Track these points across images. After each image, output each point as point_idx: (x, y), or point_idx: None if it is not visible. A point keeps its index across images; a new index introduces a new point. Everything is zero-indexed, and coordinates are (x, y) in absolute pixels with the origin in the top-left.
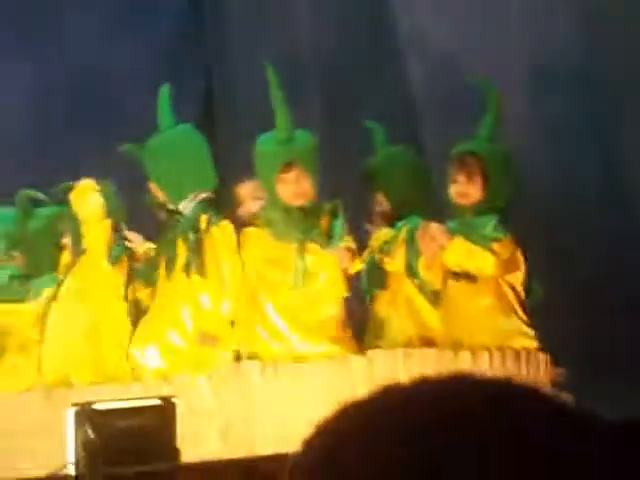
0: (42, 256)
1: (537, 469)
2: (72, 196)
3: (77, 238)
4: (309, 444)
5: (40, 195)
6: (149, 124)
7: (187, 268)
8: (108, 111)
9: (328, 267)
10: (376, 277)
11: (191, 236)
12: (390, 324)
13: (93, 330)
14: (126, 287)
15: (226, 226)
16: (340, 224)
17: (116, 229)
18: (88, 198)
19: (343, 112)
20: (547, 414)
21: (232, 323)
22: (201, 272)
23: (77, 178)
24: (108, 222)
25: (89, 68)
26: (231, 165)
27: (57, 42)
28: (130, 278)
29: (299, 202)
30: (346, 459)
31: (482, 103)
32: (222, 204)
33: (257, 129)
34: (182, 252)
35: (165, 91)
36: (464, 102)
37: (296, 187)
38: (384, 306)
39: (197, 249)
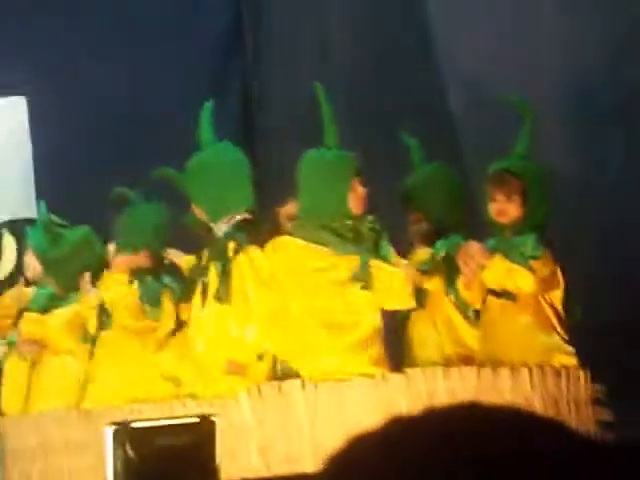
0: (70, 278)
1: None
2: (102, 284)
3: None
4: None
5: (60, 221)
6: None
7: (216, 296)
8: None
9: (392, 282)
10: (416, 297)
11: (219, 265)
12: (428, 342)
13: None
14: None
15: (254, 252)
16: (387, 244)
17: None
18: (117, 289)
19: (378, 128)
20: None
21: (260, 356)
22: (227, 301)
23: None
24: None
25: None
26: (271, 185)
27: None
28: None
29: (361, 210)
30: None
31: (517, 121)
32: (261, 224)
33: (298, 148)
34: (213, 279)
35: (208, 108)
36: (499, 120)
37: (364, 192)
38: (422, 324)
39: (224, 278)
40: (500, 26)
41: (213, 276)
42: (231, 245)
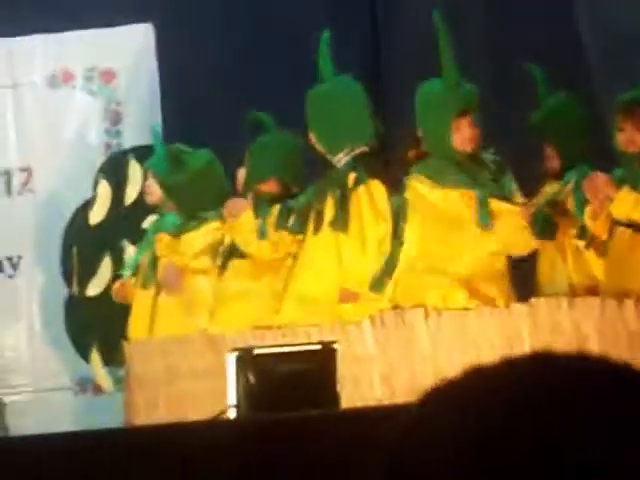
0: (200, 201)
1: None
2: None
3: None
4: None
5: (186, 149)
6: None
7: (333, 224)
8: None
9: (510, 220)
10: (545, 229)
11: (338, 192)
12: (556, 274)
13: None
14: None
15: (373, 185)
16: (510, 179)
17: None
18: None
19: (503, 56)
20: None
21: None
22: (344, 229)
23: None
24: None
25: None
26: (397, 116)
27: None
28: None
29: (470, 148)
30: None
31: None
32: (385, 155)
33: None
34: (330, 207)
35: (326, 38)
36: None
37: (471, 133)
38: (550, 256)
39: (343, 206)
40: None
41: (330, 205)
42: (352, 176)
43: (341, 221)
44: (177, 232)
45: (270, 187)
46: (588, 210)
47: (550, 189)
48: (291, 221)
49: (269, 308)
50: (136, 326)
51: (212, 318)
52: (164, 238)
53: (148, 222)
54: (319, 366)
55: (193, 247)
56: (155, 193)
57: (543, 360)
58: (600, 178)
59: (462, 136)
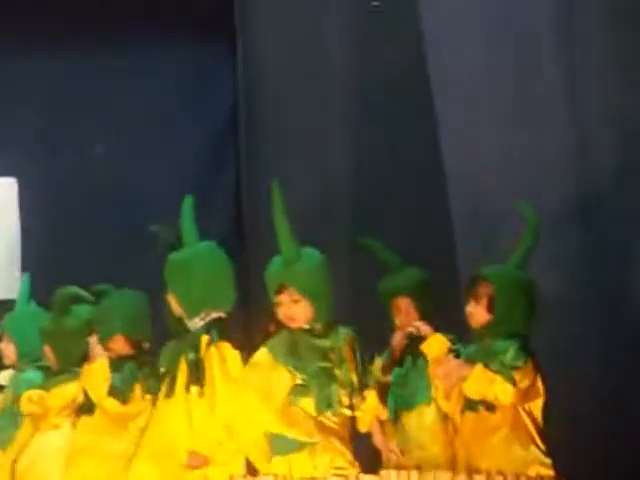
0: (74, 354)
1: None
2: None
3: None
4: None
5: (82, 293)
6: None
7: (186, 386)
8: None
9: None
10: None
11: (191, 355)
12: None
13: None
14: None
15: (224, 347)
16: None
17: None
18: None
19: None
20: None
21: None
22: (197, 392)
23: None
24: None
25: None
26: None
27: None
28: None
29: (292, 325)
30: None
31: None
32: (254, 321)
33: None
34: (182, 371)
35: (189, 203)
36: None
37: (286, 309)
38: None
39: (196, 368)
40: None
41: (183, 368)
42: (204, 338)
43: (194, 384)
44: (47, 385)
45: (119, 345)
46: (440, 390)
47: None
48: (148, 383)
49: (119, 466)
50: None
51: (65, 474)
52: (33, 395)
53: (1, 378)
54: None
55: (60, 401)
56: (10, 355)
57: None
58: (452, 364)
59: (280, 312)
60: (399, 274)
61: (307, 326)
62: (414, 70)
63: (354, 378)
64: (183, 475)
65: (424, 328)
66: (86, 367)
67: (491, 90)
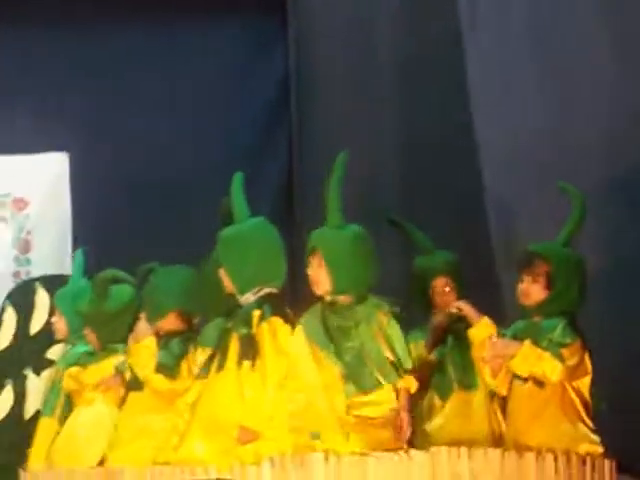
0: (114, 335)
1: None
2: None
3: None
4: None
5: (121, 274)
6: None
7: (238, 362)
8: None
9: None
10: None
11: (243, 330)
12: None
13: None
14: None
15: (276, 322)
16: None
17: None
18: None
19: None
20: None
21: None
22: (249, 367)
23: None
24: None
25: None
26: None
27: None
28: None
29: (317, 290)
30: None
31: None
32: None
33: None
34: (234, 346)
35: (239, 178)
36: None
37: (313, 273)
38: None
39: (248, 343)
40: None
41: (234, 343)
42: (256, 313)
43: (248, 357)
44: (85, 362)
45: (169, 321)
46: (487, 368)
47: None
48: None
49: (169, 443)
50: (37, 455)
51: (112, 451)
52: (73, 372)
53: (53, 352)
54: None
55: (95, 378)
56: (61, 329)
57: None
58: (499, 343)
59: (309, 276)
60: (436, 255)
61: (330, 298)
62: (454, 48)
63: (390, 355)
64: (234, 450)
65: (466, 308)
66: (133, 345)
67: (532, 72)
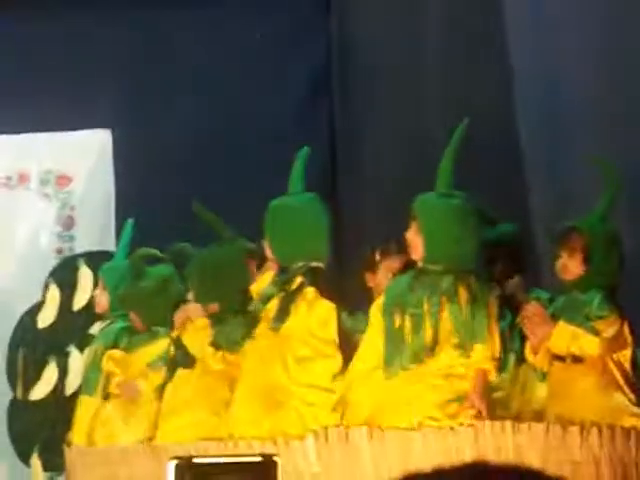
0: (156, 315)
1: None
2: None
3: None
4: None
5: (155, 252)
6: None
7: (275, 325)
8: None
9: None
10: None
11: (282, 294)
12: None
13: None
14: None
15: (312, 292)
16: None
17: None
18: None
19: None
20: None
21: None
22: (281, 325)
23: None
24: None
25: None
26: (355, 234)
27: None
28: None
29: (412, 255)
30: None
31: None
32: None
33: (382, 201)
34: (272, 307)
35: (304, 152)
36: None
37: (410, 237)
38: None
39: (285, 307)
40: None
41: (272, 307)
42: (298, 279)
43: (281, 318)
44: (128, 347)
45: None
46: (527, 345)
47: None
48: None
49: (213, 418)
50: (79, 432)
51: (156, 428)
52: (115, 355)
53: (96, 328)
54: (259, 478)
55: (143, 363)
56: (102, 303)
57: (475, 469)
58: (531, 308)
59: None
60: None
61: (421, 265)
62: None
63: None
64: (278, 414)
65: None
66: (188, 324)
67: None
